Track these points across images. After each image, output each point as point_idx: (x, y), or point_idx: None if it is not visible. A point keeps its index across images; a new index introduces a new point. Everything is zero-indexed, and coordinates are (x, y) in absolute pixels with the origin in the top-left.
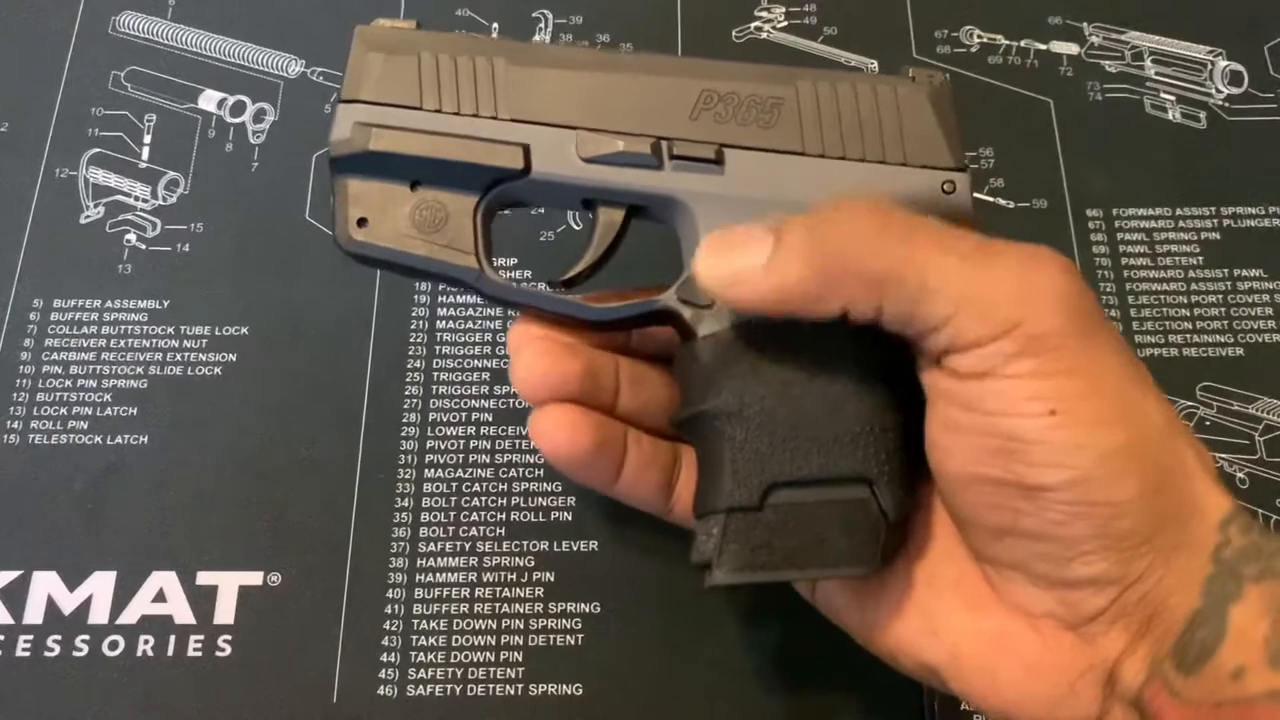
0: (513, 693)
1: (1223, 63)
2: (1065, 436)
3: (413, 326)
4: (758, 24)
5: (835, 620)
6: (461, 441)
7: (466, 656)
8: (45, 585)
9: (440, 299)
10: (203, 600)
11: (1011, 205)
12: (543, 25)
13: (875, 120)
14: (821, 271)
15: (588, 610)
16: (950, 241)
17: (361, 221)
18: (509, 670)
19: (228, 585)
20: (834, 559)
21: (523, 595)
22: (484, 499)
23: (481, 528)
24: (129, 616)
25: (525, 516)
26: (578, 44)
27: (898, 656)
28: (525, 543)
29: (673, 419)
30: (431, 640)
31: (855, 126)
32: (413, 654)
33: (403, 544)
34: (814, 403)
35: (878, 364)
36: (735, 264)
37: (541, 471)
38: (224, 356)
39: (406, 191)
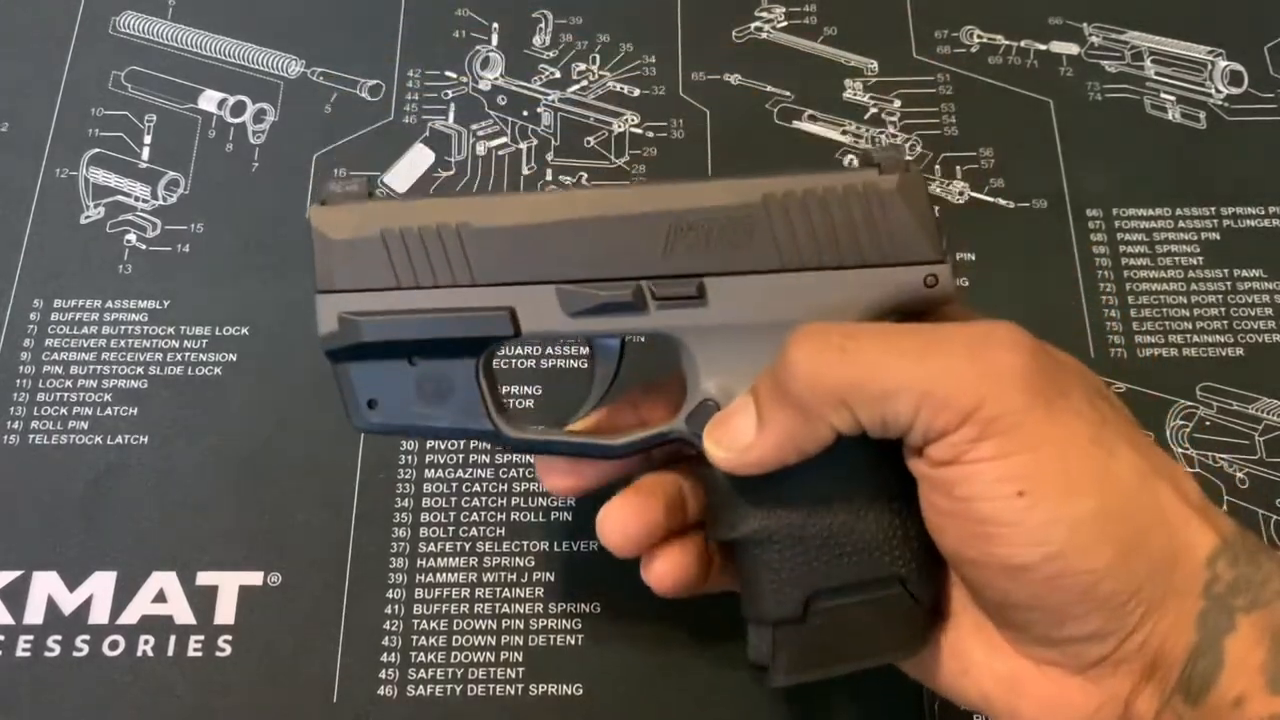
0: (513, 693)
1: (1223, 63)
2: (1036, 515)
3: None
4: (758, 24)
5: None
6: (461, 442)
7: (466, 656)
8: (45, 585)
9: None
10: (203, 600)
11: (1011, 205)
12: (543, 25)
13: (849, 224)
14: (796, 410)
15: (588, 610)
16: (895, 340)
17: (371, 403)
18: (509, 670)
19: (228, 585)
20: (880, 650)
21: (523, 595)
22: (484, 499)
23: (481, 528)
24: (129, 616)
25: (525, 516)
26: (538, 189)
27: (951, 695)
28: (525, 543)
29: (707, 539)
30: (431, 640)
31: (830, 234)
32: (413, 654)
33: (403, 544)
34: (837, 517)
35: (889, 465)
36: (736, 443)
37: None
38: (224, 356)
39: (406, 366)
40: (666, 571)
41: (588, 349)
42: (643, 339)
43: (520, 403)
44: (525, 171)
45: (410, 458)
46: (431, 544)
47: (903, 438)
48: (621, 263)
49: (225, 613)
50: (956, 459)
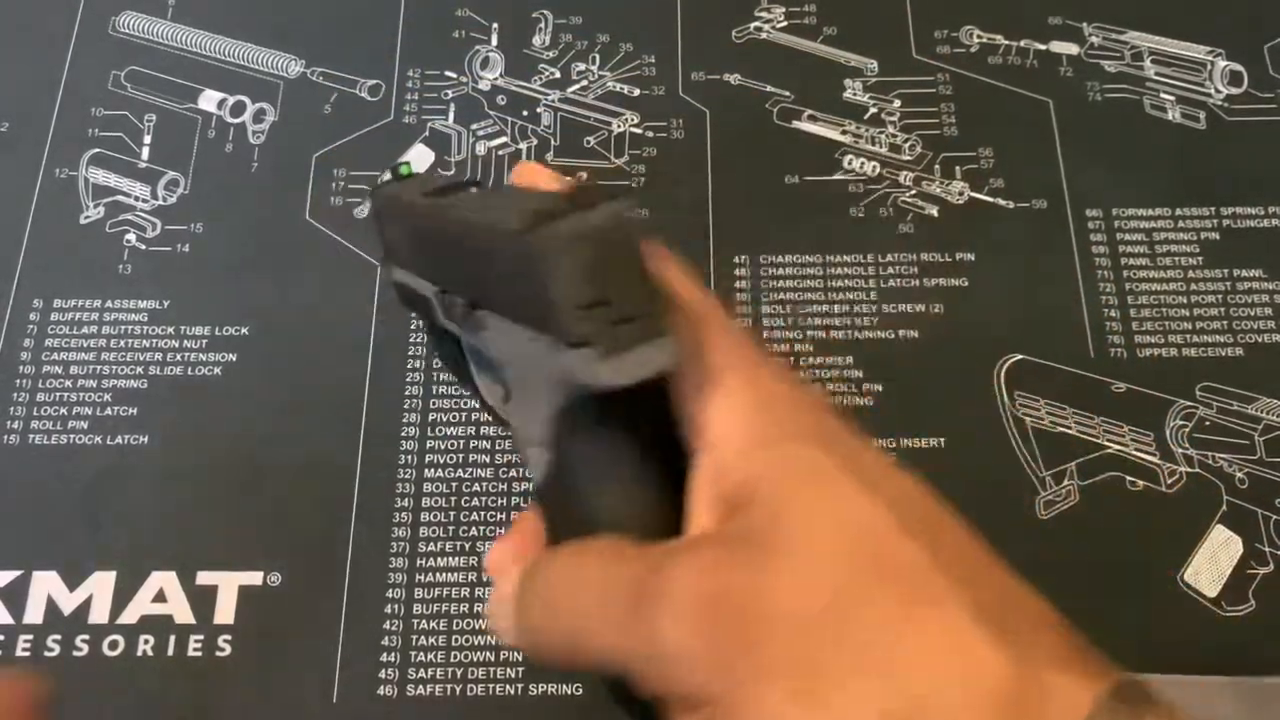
0: (513, 693)
1: (1223, 63)
2: None
3: (413, 326)
4: (758, 24)
5: None
6: (461, 441)
7: (466, 656)
8: (45, 585)
9: None
10: (203, 600)
11: (1011, 205)
12: (543, 25)
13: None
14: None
15: None
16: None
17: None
18: (509, 670)
19: (228, 585)
20: None
21: None
22: (484, 499)
23: (481, 528)
24: (129, 616)
25: None
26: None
27: None
28: None
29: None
30: (431, 640)
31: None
32: (413, 654)
33: (403, 544)
34: None
35: None
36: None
37: None
38: (224, 356)
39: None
40: None
41: None
42: None
43: None
44: None
45: (410, 458)
46: (431, 544)
47: None
48: None
49: (225, 612)
50: None
